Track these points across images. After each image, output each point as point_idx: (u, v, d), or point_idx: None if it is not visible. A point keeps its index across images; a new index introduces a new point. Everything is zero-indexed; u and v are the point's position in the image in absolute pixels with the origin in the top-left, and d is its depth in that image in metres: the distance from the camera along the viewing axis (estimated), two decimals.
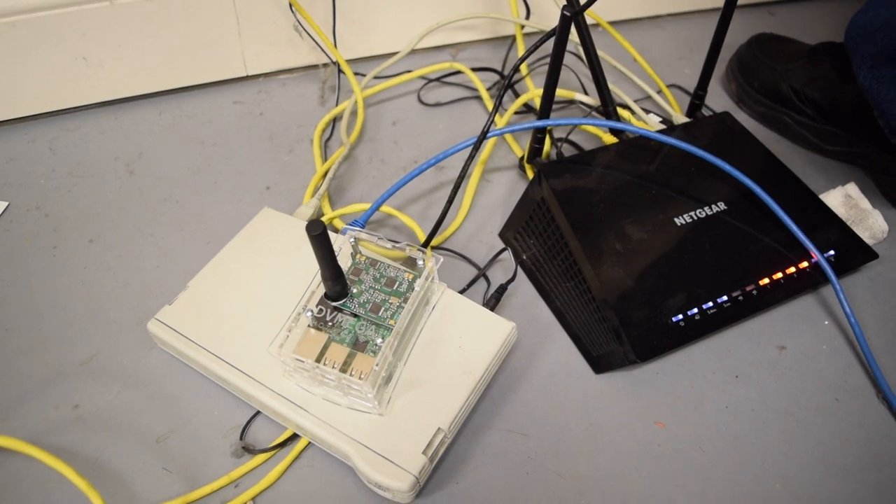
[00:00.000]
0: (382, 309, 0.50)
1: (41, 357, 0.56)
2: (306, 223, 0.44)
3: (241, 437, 0.52)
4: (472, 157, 0.59)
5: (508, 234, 0.65)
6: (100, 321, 0.59)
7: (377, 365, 0.47)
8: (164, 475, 0.50)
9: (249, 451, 0.51)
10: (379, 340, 0.48)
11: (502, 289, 0.58)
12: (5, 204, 0.68)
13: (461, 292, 0.60)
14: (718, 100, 0.82)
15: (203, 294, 0.55)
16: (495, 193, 0.70)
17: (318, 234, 0.44)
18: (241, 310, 0.54)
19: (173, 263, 0.63)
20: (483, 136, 0.59)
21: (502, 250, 0.63)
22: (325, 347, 0.48)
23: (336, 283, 0.49)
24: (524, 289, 0.62)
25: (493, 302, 0.58)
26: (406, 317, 0.50)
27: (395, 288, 0.51)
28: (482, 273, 0.62)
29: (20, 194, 0.68)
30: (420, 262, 0.52)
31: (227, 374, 0.51)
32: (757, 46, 0.81)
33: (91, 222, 0.66)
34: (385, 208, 0.64)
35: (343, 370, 0.47)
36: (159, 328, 0.54)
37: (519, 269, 0.63)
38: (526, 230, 0.62)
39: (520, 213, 0.63)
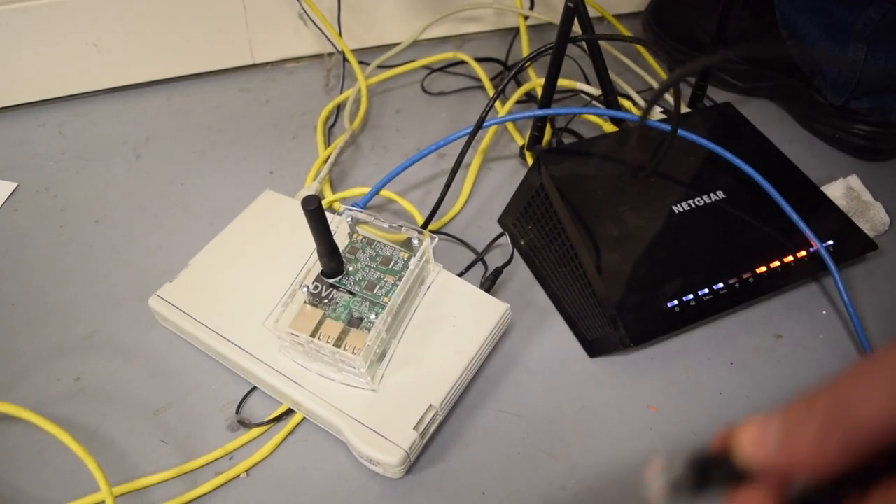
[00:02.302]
0: (377, 286, 0.51)
1: (45, 331, 0.57)
2: (302, 199, 0.45)
3: (237, 412, 0.53)
4: (468, 144, 0.60)
5: (507, 220, 0.65)
6: (103, 298, 0.60)
7: (370, 340, 0.48)
8: (161, 446, 0.51)
9: (245, 425, 0.52)
10: (373, 317, 0.49)
11: (498, 271, 0.59)
12: (15, 184, 0.69)
13: (459, 276, 0.60)
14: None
15: (204, 272, 0.56)
16: (496, 180, 0.70)
17: (314, 208, 0.45)
18: (240, 288, 0.55)
19: (176, 244, 0.64)
20: (480, 123, 0.60)
21: (500, 235, 0.63)
22: (320, 323, 0.49)
23: (331, 260, 0.50)
24: (521, 274, 0.62)
25: (489, 284, 0.58)
26: (400, 294, 0.50)
27: (390, 266, 0.52)
28: (480, 257, 0.63)
29: (30, 175, 0.70)
30: (416, 242, 0.52)
31: (224, 349, 0.52)
32: None
33: (98, 203, 0.67)
34: (386, 193, 0.65)
35: (337, 345, 0.48)
36: (160, 304, 0.55)
37: (517, 254, 0.63)
38: (524, 216, 0.63)
39: (519, 199, 0.64)
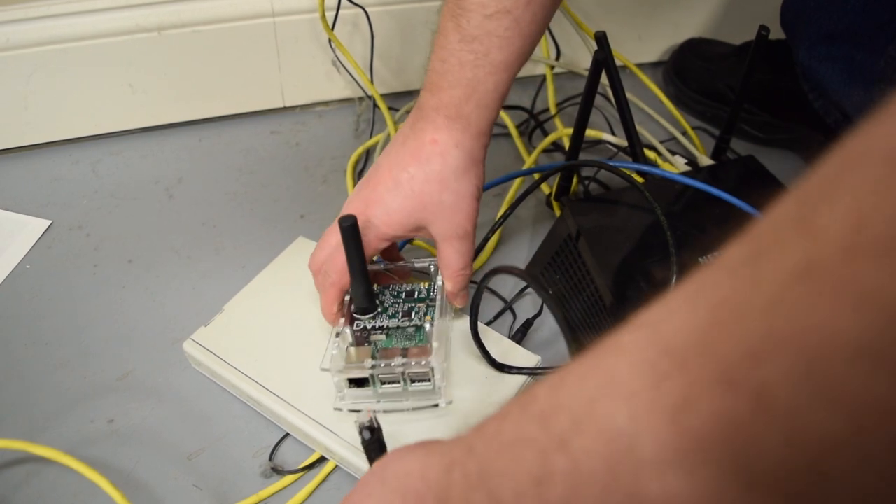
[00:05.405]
0: (413, 312, 0.52)
1: (79, 371, 0.58)
2: (339, 217, 0.46)
3: (271, 458, 0.53)
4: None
5: (535, 269, 0.66)
6: (136, 339, 0.60)
7: (436, 341, 0.49)
8: (195, 492, 0.51)
9: (278, 471, 0.52)
10: (428, 326, 0.51)
11: (528, 323, 0.60)
12: (48, 222, 0.70)
13: (487, 324, 0.61)
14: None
15: (238, 317, 0.57)
16: (522, 229, 0.71)
17: (349, 225, 0.46)
18: (275, 335, 0.56)
19: (209, 286, 0.64)
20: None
21: (528, 285, 0.64)
22: (373, 356, 0.50)
23: (361, 284, 0.50)
24: (549, 323, 0.63)
25: (520, 336, 0.59)
26: (439, 311, 0.52)
27: (417, 296, 0.54)
28: (508, 306, 0.63)
29: (63, 213, 0.71)
30: (432, 268, 0.55)
31: (258, 395, 0.53)
32: (689, 50, 0.89)
33: (131, 243, 0.68)
34: (416, 241, 0.66)
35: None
36: (194, 348, 0.55)
37: (544, 303, 0.64)
38: (552, 266, 0.64)
39: (546, 249, 0.65)
